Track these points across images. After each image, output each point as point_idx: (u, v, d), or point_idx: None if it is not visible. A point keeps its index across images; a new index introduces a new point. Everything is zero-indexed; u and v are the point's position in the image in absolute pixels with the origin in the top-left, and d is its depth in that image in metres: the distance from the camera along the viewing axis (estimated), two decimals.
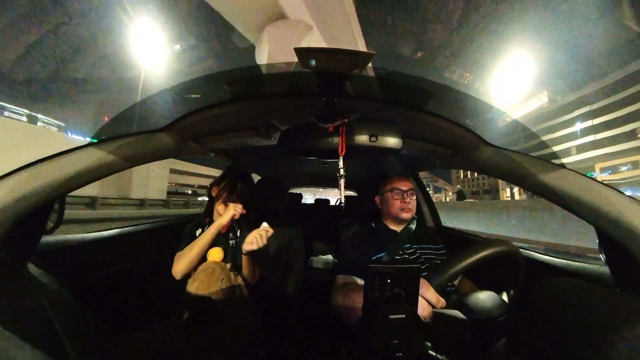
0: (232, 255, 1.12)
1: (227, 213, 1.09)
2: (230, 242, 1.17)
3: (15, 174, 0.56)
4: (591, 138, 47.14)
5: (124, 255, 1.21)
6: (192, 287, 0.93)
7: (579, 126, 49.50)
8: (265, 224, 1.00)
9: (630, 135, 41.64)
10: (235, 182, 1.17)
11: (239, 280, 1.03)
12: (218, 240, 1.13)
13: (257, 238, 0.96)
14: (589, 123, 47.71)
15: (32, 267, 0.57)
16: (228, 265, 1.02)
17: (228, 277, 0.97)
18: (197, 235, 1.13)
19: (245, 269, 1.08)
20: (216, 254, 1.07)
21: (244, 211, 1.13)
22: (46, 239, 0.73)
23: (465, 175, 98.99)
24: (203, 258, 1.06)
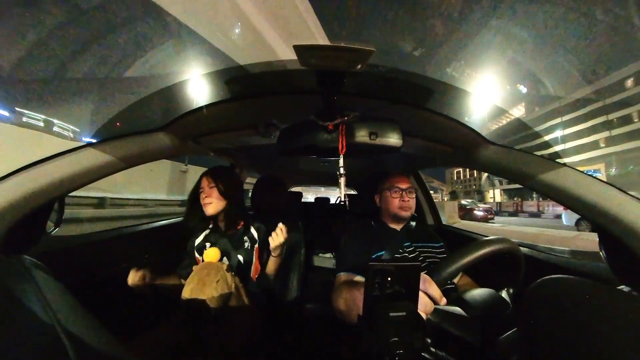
0: (230, 255, 1.10)
1: None
2: (228, 241, 1.13)
3: (16, 175, 0.56)
4: (562, 147, 48.22)
5: (124, 255, 1.21)
6: (187, 290, 0.90)
7: (551, 136, 50.73)
8: (280, 224, 1.07)
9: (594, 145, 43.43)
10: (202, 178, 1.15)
11: (237, 281, 1.00)
12: (216, 240, 1.12)
13: (274, 237, 1.04)
14: (560, 133, 49.09)
15: (32, 267, 0.57)
16: (224, 266, 0.99)
17: (224, 278, 0.94)
18: (197, 244, 1.13)
19: (270, 269, 1.14)
20: (212, 255, 1.04)
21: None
22: (46, 239, 0.73)
23: (459, 177, 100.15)
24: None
